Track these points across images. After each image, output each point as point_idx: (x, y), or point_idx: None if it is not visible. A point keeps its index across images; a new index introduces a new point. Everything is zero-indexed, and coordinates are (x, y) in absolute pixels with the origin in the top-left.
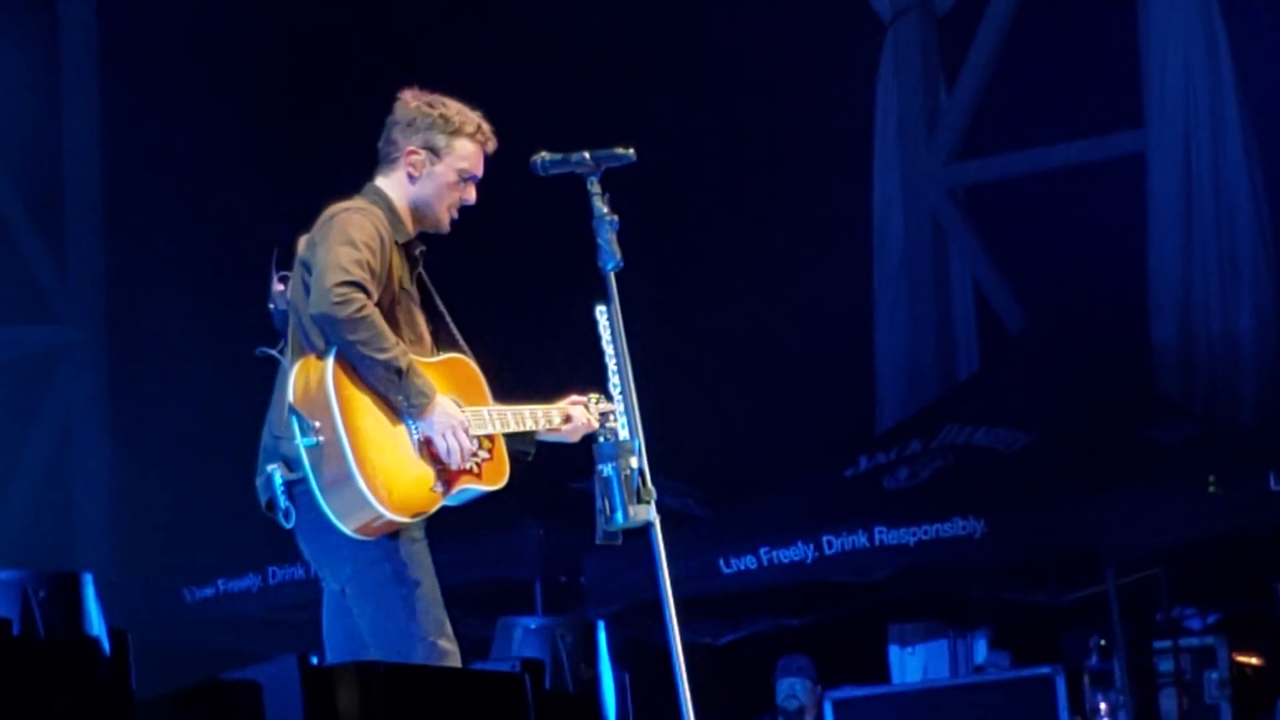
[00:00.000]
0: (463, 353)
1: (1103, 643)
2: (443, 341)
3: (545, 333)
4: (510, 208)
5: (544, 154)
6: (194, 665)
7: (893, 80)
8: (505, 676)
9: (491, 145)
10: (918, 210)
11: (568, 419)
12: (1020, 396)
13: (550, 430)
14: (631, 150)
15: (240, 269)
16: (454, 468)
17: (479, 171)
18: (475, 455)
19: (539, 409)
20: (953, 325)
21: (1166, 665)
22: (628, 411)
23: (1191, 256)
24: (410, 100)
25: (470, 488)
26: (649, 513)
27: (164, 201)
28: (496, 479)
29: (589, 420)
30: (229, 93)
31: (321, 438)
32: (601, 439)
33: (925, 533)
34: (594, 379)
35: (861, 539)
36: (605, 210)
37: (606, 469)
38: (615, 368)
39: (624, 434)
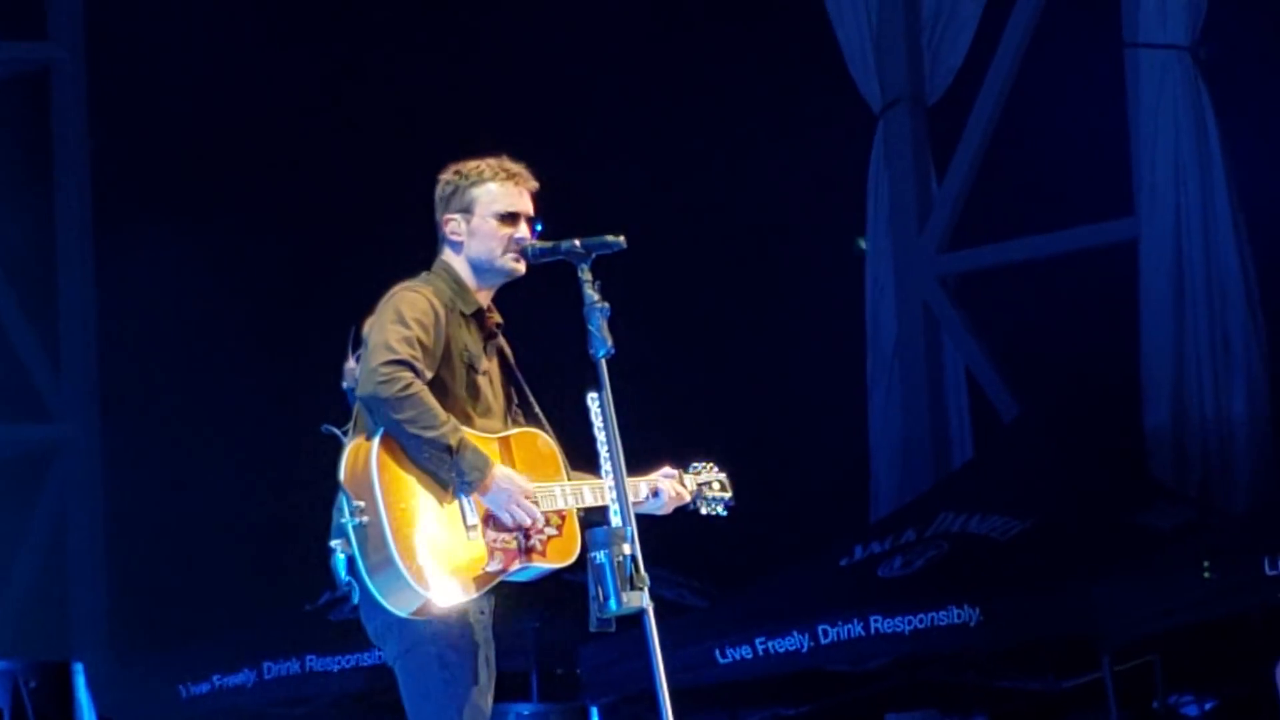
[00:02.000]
0: (540, 426)
1: None
2: (524, 417)
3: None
4: (501, 293)
5: (534, 241)
6: None
7: (883, 170)
8: None
9: (524, 181)
10: (909, 299)
11: (655, 492)
12: (1014, 484)
13: (636, 504)
14: (621, 238)
15: (233, 365)
16: (537, 529)
17: (518, 205)
18: (540, 532)
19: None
20: (946, 413)
21: None
22: (620, 499)
23: (1184, 342)
24: (439, 179)
25: (533, 566)
26: (643, 599)
27: (156, 299)
28: (563, 556)
29: (679, 493)
30: (220, 193)
31: (366, 518)
32: (705, 510)
33: (921, 621)
34: (584, 466)
35: (857, 628)
36: (596, 297)
37: (599, 556)
38: (607, 454)
39: (616, 520)
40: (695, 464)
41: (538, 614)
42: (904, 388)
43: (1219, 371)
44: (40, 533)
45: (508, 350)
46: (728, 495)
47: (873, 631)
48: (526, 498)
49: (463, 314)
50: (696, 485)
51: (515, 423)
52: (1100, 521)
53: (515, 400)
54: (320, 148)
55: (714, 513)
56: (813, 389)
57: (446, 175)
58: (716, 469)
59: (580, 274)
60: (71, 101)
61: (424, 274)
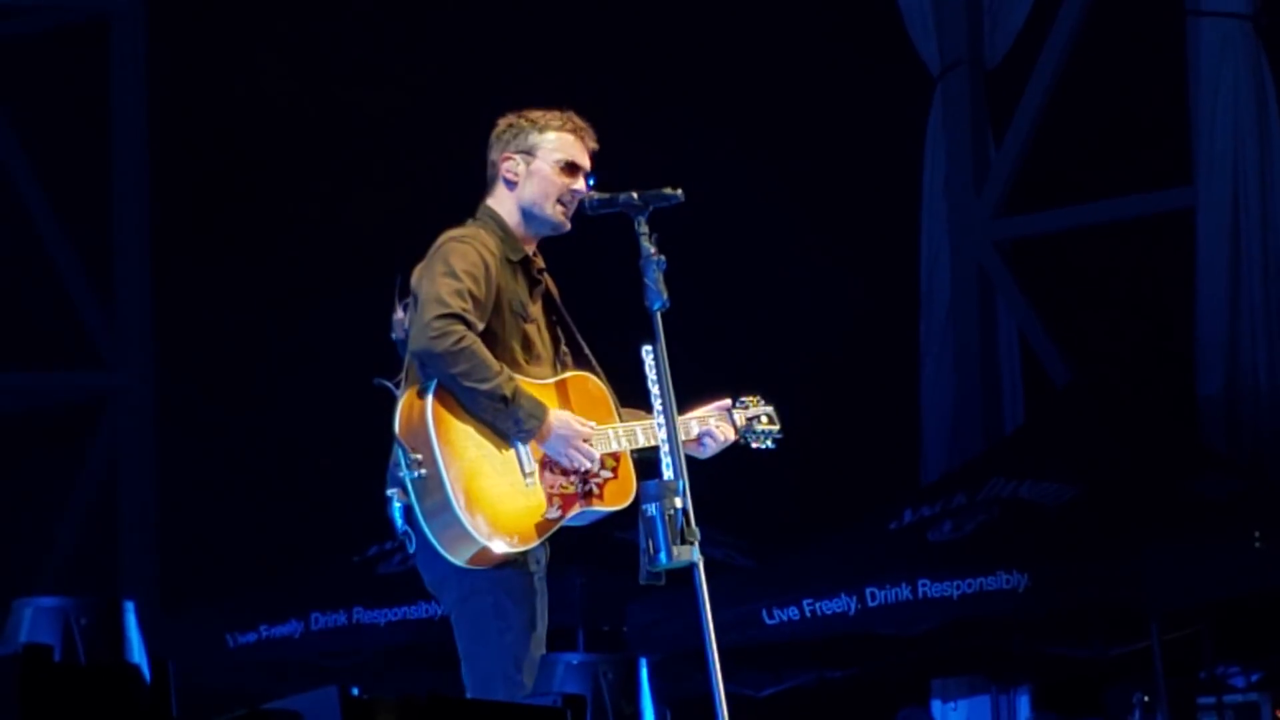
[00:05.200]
0: (590, 369)
1: (1146, 699)
2: (573, 359)
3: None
4: (556, 245)
5: (591, 193)
6: (235, 708)
7: (941, 133)
8: (548, 711)
9: (588, 136)
10: (965, 263)
11: (707, 434)
12: (1065, 450)
13: (689, 442)
14: (679, 191)
15: (286, 316)
16: (595, 472)
17: (580, 159)
18: (596, 476)
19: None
20: (999, 378)
21: None
22: (673, 452)
23: (1239, 312)
24: (499, 121)
25: (591, 509)
26: (693, 553)
27: (212, 248)
28: (620, 499)
29: (728, 433)
30: (281, 141)
31: (423, 470)
32: (754, 444)
33: (969, 586)
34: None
35: (905, 592)
36: (653, 250)
37: (651, 509)
38: (660, 408)
39: (668, 474)
40: (743, 398)
41: (583, 570)
42: (957, 352)
43: (1274, 341)
44: (91, 481)
45: (554, 292)
46: (776, 428)
47: (921, 596)
48: (584, 440)
49: (510, 261)
50: (745, 420)
51: (565, 366)
52: (1151, 490)
53: (563, 342)
54: (383, 102)
55: (763, 446)
56: (866, 351)
57: (509, 118)
58: (763, 402)
59: (637, 226)
60: (130, 52)
61: (470, 221)
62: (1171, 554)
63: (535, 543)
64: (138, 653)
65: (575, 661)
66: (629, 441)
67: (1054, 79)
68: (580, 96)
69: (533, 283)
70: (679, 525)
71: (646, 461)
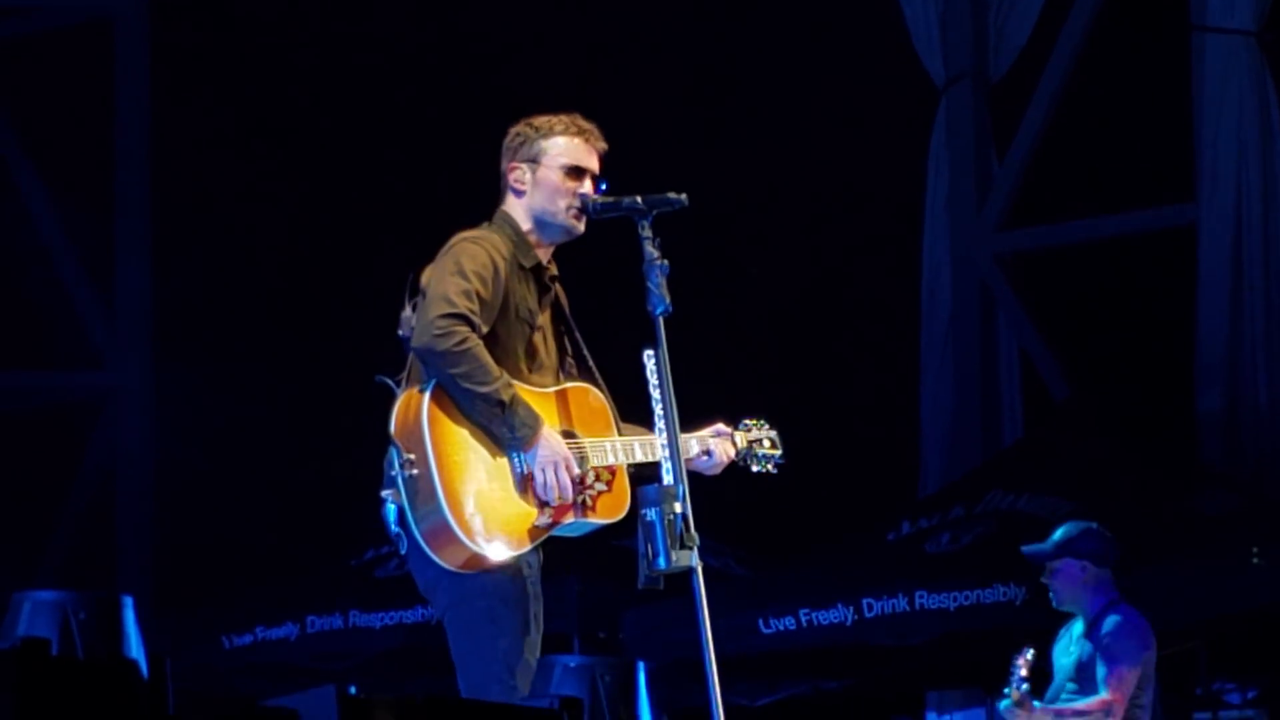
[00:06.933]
0: (593, 381)
1: None
2: (578, 371)
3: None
4: (559, 249)
5: (595, 197)
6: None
7: (944, 146)
8: (544, 713)
9: (594, 139)
10: (966, 276)
11: (707, 453)
12: (1064, 464)
13: (687, 460)
14: (684, 195)
15: (286, 317)
16: (553, 503)
17: (586, 163)
18: (590, 488)
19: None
20: (998, 391)
21: None
22: (673, 457)
23: (1240, 329)
24: (509, 131)
25: (584, 521)
26: (691, 558)
27: (213, 251)
28: (614, 512)
29: (728, 454)
30: (281, 142)
31: (415, 470)
32: (755, 467)
33: (966, 598)
34: (636, 422)
35: (902, 603)
36: (656, 254)
37: (650, 513)
38: (661, 412)
39: (668, 479)
40: (746, 421)
41: (579, 577)
42: (957, 364)
43: (1274, 358)
44: (90, 480)
45: (564, 300)
46: (778, 453)
47: (918, 607)
48: (566, 468)
49: (521, 267)
50: (747, 443)
51: (569, 376)
52: (1149, 505)
53: (569, 352)
54: (385, 99)
55: (764, 470)
56: (866, 363)
57: (517, 127)
58: (767, 426)
59: (640, 230)
60: (133, 52)
61: (485, 224)
62: (1169, 570)
63: (526, 549)
64: (135, 648)
65: (573, 664)
66: (626, 455)
67: (1058, 93)
68: (588, 103)
69: (543, 290)
70: (678, 530)
71: (644, 478)
